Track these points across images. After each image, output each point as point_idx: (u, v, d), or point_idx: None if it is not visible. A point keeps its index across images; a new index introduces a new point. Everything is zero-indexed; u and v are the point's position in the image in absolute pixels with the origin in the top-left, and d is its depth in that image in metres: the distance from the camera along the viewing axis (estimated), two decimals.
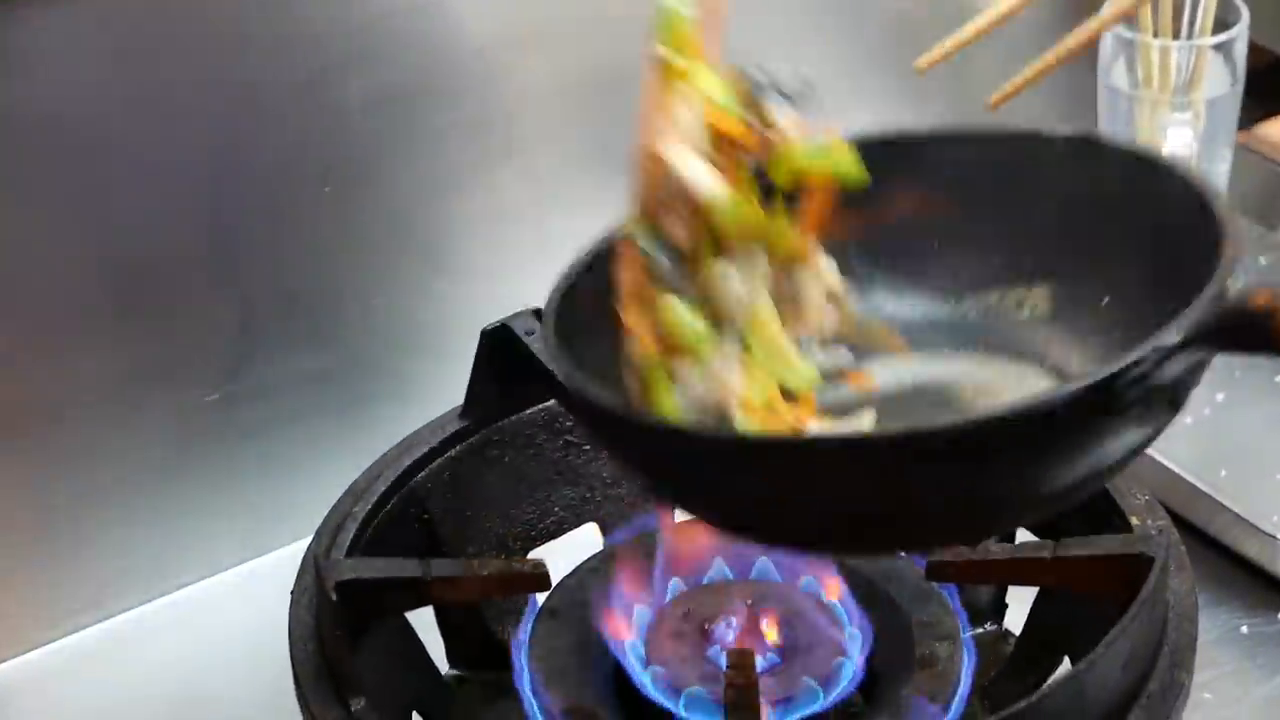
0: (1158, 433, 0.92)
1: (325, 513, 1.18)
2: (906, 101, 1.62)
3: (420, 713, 1.18)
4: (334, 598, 1.05)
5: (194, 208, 1.31)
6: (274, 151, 1.32)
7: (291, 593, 1.14)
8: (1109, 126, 1.57)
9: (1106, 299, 1.07)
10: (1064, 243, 1.08)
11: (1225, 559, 1.32)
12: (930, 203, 1.09)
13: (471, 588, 1.11)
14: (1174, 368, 0.88)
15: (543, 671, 1.12)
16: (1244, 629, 1.28)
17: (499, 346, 1.21)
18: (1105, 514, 1.13)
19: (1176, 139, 1.50)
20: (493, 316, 1.20)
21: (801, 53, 1.53)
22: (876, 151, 1.03)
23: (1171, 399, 0.91)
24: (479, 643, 1.25)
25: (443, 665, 1.24)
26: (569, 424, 1.25)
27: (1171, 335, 0.86)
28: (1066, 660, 1.18)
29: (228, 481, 1.40)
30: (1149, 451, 0.95)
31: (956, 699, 1.09)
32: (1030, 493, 0.90)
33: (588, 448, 1.26)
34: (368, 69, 1.32)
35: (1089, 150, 1.07)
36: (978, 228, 1.09)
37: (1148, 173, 1.03)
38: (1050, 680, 1.17)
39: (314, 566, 1.10)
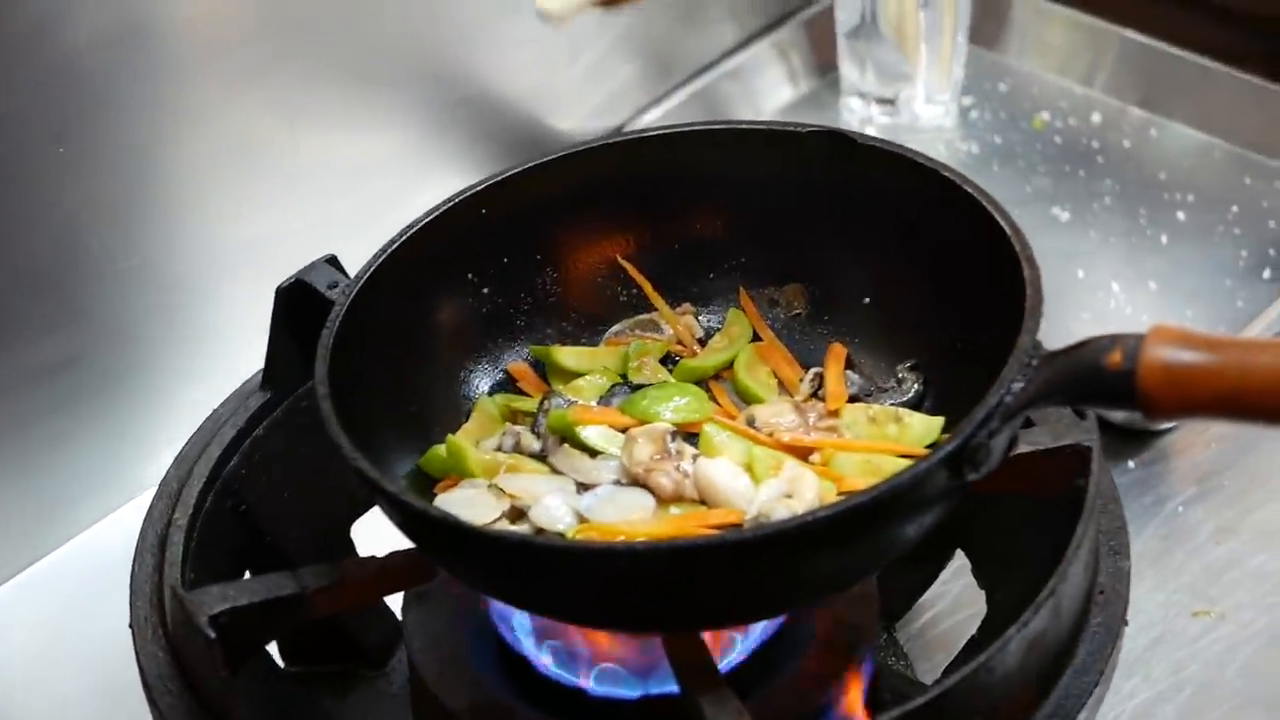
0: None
1: (93, 508, 1.06)
2: None
3: None
4: (211, 635, 0.91)
5: None
6: None
7: (130, 625, 0.99)
8: None
9: (868, 299, 1.06)
10: (815, 241, 1.07)
11: None
12: (679, 203, 1.08)
13: (354, 593, 0.97)
14: (1015, 426, 0.88)
15: (429, 667, 1.00)
16: None
17: (296, 305, 1.06)
18: None
19: None
20: (257, 258, 1.06)
21: None
22: (639, 148, 1.07)
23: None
24: (316, 635, 1.13)
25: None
26: None
27: (1019, 395, 0.86)
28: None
29: None
30: None
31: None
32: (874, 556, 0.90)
33: None
34: (93, 6, 1.15)
35: (839, 146, 1.04)
36: (718, 228, 1.09)
37: (904, 171, 1.01)
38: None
39: (172, 597, 0.95)
